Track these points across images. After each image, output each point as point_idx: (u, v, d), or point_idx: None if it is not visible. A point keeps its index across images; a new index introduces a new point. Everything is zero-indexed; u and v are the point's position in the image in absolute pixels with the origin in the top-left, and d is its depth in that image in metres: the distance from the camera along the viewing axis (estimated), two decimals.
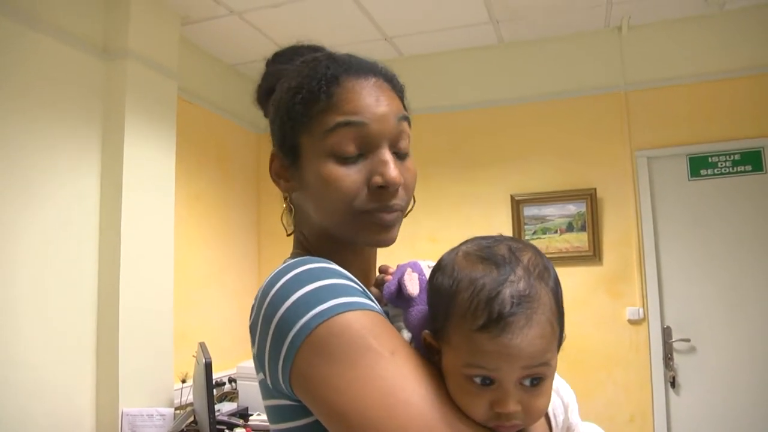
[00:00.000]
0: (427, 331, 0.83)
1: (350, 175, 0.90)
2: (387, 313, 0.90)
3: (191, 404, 3.44)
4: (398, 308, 0.90)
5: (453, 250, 0.85)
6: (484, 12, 3.91)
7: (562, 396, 0.89)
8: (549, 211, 4.20)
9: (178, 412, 3.26)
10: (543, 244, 4.12)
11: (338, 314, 0.77)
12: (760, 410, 3.72)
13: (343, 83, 0.91)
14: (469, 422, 0.76)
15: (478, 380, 0.75)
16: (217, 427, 3.10)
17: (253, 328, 0.87)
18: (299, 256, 0.90)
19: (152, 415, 3.07)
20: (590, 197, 4.10)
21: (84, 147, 3.15)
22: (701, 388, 3.85)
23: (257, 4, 3.68)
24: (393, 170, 0.90)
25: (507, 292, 0.74)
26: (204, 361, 2.91)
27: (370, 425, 0.72)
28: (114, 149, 3.23)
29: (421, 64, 4.59)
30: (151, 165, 3.38)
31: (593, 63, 4.25)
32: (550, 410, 0.87)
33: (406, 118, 0.96)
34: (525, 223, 4.23)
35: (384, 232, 0.93)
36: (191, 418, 3.27)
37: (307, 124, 0.92)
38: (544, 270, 0.79)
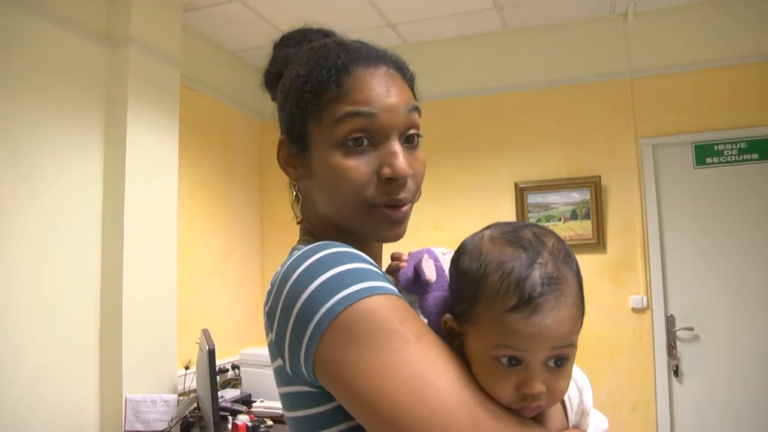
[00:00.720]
0: (448, 315, 0.84)
1: (359, 166, 0.89)
2: None
3: (194, 391, 3.45)
4: (413, 294, 0.91)
5: (476, 234, 0.86)
6: None
7: (576, 380, 0.90)
8: (553, 198, 4.19)
9: (181, 398, 3.26)
10: None
11: (363, 298, 0.77)
12: (763, 399, 3.72)
13: (353, 72, 0.90)
14: (495, 403, 0.76)
15: (505, 361, 0.76)
16: (221, 413, 3.11)
17: (270, 314, 0.85)
18: (309, 243, 0.89)
19: (156, 401, 3.07)
20: (594, 185, 4.08)
21: (86, 134, 3.14)
22: (704, 376, 3.85)
23: None
24: (402, 162, 0.89)
25: (537, 274, 0.77)
26: (207, 347, 2.91)
27: (399, 409, 0.72)
28: (117, 137, 3.22)
29: (425, 50, 4.57)
30: (153, 152, 3.37)
31: (598, 50, 4.23)
32: (566, 396, 0.88)
33: (417, 109, 0.94)
34: (529, 211, 4.22)
35: (393, 228, 0.93)
36: (194, 405, 3.28)
37: (317, 114, 0.91)
38: (567, 254, 0.82)
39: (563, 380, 0.79)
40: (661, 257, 3.97)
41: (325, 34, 1.07)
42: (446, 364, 0.76)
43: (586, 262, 4.02)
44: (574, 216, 4.13)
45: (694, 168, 3.98)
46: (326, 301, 0.77)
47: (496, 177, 4.35)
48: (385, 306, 0.78)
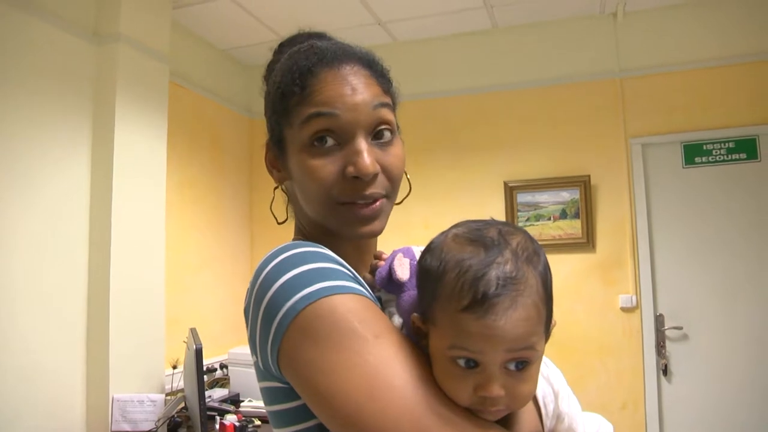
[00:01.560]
0: (415, 314, 0.83)
1: (325, 166, 0.90)
2: (380, 299, 0.91)
3: (182, 390, 3.43)
4: (391, 294, 0.90)
5: (443, 232, 0.85)
6: None
7: (552, 383, 0.88)
8: (542, 197, 4.19)
9: (168, 398, 3.24)
10: (536, 230, 4.11)
11: (325, 297, 0.78)
12: (751, 398, 3.73)
13: (317, 74, 0.92)
14: (451, 406, 0.76)
15: (462, 362, 0.75)
16: (208, 413, 3.09)
17: (246, 311, 0.88)
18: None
19: (143, 401, 3.06)
20: (584, 184, 4.09)
21: (74, 132, 3.12)
22: (693, 375, 3.86)
23: None
24: (365, 159, 0.89)
25: (493, 273, 0.75)
26: (195, 347, 2.89)
27: (352, 407, 0.73)
28: (104, 134, 3.19)
29: (415, 49, 4.56)
30: (142, 150, 3.35)
31: (588, 49, 4.23)
32: (540, 398, 0.86)
33: (386, 104, 0.94)
34: (518, 210, 4.22)
35: (364, 225, 0.93)
36: (182, 405, 3.26)
37: (287, 117, 0.94)
38: (533, 254, 0.79)
39: (525, 384, 0.77)
40: (650, 256, 3.98)
41: (316, 36, 1.09)
42: (404, 364, 0.77)
43: (575, 261, 4.04)
44: (563, 215, 4.13)
45: (683, 167, 3.99)
46: (289, 299, 0.79)
47: (485, 176, 4.35)
48: (345, 305, 0.79)
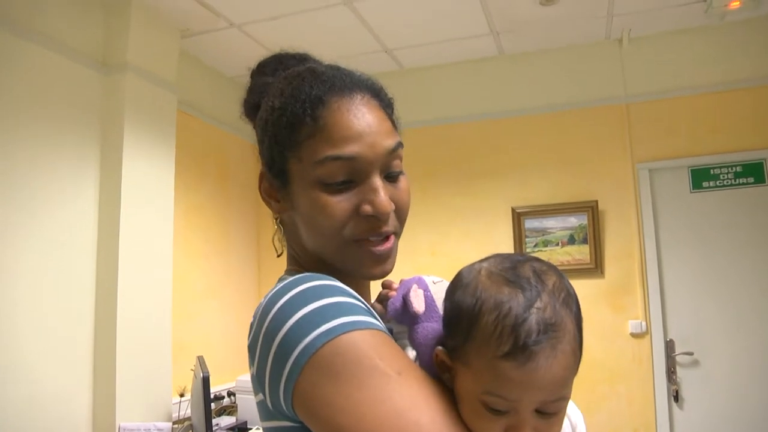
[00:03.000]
0: (440, 348, 0.82)
1: (340, 203, 0.88)
2: (391, 330, 0.89)
3: (189, 418, 3.41)
4: (402, 325, 0.89)
5: (473, 267, 0.83)
6: (485, 24, 3.91)
7: (569, 416, 0.88)
8: (550, 223, 4.18)
9: (176, 426, 3.22)
10: (544, 256, 4.07)
11: (344, 333, 0.75)
12: (764, 424, 3.68)
13: (328, 104, 0.89)
14: None
15: (494, 407, 0.74)
16: None
17: (252, 347, 0.84)
18: (296, 273, 0.88)
19: (149, 429, 3.04)
20: (592, 209, 4.08)
21: (82, 160, 3.14)
22: (705, 401, 3.82)
23: (257, 17, 3.67)
24: (383, 198, 0.88)
25: (533, 319, 0.73)
26: (201, 375, 2.88)
27: None
28: (113, 162, 3.21)
29: (421, 76, 4.59)
30: (150, 178, 3.36)
31: (594, 75, 4.25)
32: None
33: (399, 144, 0.93)
34: (526, 236, 4.21)
35: (378, 265, 0.91)
36: None
37: (296, 150, 0.90)
38: (568, 296, 0.78)
39: (555, 426, 0.76)
40: (659, 282, 3.95)
41: (301, 58, 1.06)
42: (429, 401, 0.74)
43: (584, 287, 4.01)
44: (571, 241, 4.12)
45: (691, 192, 3.98)
46: (306, 336, 0.75)
47: (493, 202, 4.35)
48: (366, 341, 0.76)
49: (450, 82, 4.57)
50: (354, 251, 0.90)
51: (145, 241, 3.29)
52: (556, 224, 4.17)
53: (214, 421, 3.28)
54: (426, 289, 0.89)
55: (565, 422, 0.86)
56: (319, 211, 0.88)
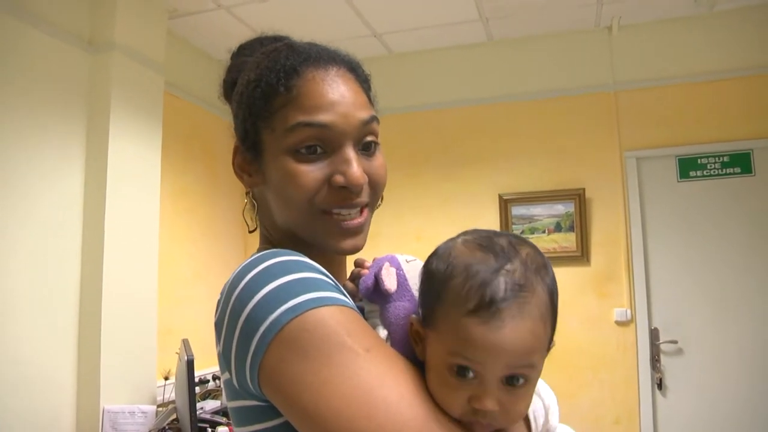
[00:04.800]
0: (414, 316, 0.81)
1: (311, 172, 0.87)
2: (362, 309, 0.88)
3: (174, 402, 3.40)
4: (374, 304, 0.88)
5: (451, 239, 0.83)
6: (474, 9, 3.89)
7: (543, 398, 0.87)
8: (537, 210, 4.19)
9: (160, 409, 3.22)
10: None
11: (311, 309, 0.74)
12: (746, 412, 3.72)
13: (302, 74, 0.88)
14: (447, 421, 0.73)
15: (459, 371, 0.73)
16: (200, 425, 3.07)
17: (218, 325, 0.83)
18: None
19: (134, 412, 3.03)
20: (579, 197, 4.09)
21: (68, 140, 3.11)
22: (688, 390, 3.85)
23: None
24: (356, 170, 0.87)
25: (502, 279, 0.73)
26: (186, 358, 2.87)
27: (346, 425, 0.69)
28: (98, 143, 3.18)
29: (410, 61, 4.56)
30: (136, 160, 3.33)
31: (583, 62, 4.25)
32: (530, 412, 0.84)
33: (374, 117, 0.92)
34: (513, 223, 4.22)
35: (348, 238, 0.91)
36: (173, 416, 3.23)
37: (269, 120, 0.89)
38: (542, 266, 0.78)
39: (521, 401, 0.75)
40: (645, 270, 3.97)
41: (280, 39, 1.05)
42: (398, 378, 0.73)
43: (569, 274, 4.03)
44: (558, 228, 4.13)
45: (678, 181, 4.00)
46: (272, 312, 0.74)
47: (480, 188, 4.35)
48: (334, 317, 0.75)
49: (439, 67, 4.55)
50: (324, 223, 0.89)
51: (131, 223, 3.27)
52: (542, 211, 4.17)
53: (198, 405, 3.28)
54: (398, 268, 0.88)
55: (539, 403, 0.86)
56: (289, 180, 0.87)
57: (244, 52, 1.06)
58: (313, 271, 0.80)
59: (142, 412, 3.05)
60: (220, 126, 4.53)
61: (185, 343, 3.07)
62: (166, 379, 3.47)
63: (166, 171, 3.61)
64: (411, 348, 0.82)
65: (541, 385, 0.88)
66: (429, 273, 0.80)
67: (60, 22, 3.10)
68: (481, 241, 0.78)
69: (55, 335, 2.98)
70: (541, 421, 0.85)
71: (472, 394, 0.72)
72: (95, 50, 3.25)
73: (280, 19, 3.84)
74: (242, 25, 3.96)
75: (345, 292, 0.84)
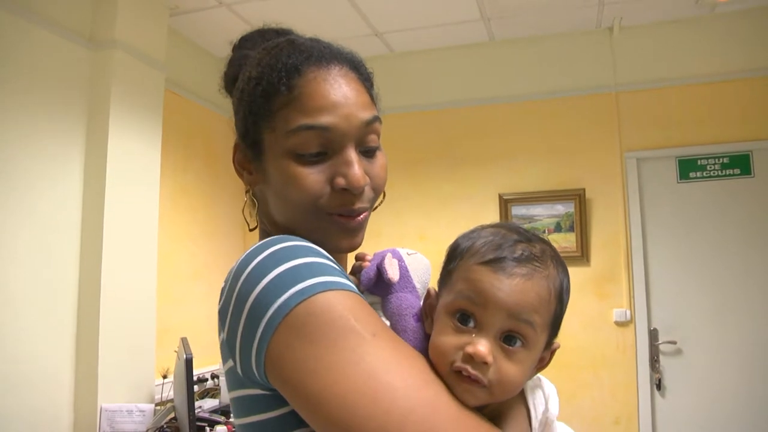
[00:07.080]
0: (432, 287, 0.85)
1: (312, 174, 0.86)
2: None
3: (172, 400, 3.40)
4: (375, 296, 0.88)
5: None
6: (476, 9, 3.89)
7: (543, 388, 0.87)
8: (537, 210, 4.19)
9: (158, 408, 3.21)
10: None
11: (318, 293, 0.73)
12: (745, 413, 3.72)
13: (304, 73, 0.87)
14: (456, 405, 0.73)
15: (461, 319, 0.77)
16: (198, 423, 3.06)
17: (223, 312, 0.81)
18: None
19: (132, 410, 3.02)
20: (579, 198, 4.09)
21: (68, 138, 3.10)
22: (687, 390, 3.85)
23: None
24: (357, 172, 0.86)
25: (520, 247, 0.79)
26: (185, 356, 2.86)
27: (351, 410, 0.68)
28: (98, 141, 3.17)
29: (412, 60, 4.56)
30: (136, 157, 3.33)
31: (584, 63, 4.24)
32: (530, 402, 0.85)
33: (376, 119, 0.91)
34: None
35: (348, 237, 0.90)
36: (171, 415, 3.23)
37: (270, 120, 0.88)
38: (561, 262, 0.84)
39: (514, 366, 0.76)
40: (644, 271, 3.97)
41: (284, 33, 1.04)
42: (403, 363, 0.73)
43: (569, 274, 4.01)
44: (558, 228, 4.12)
45: (678, 182, 4.00)
46: (279, 296, 0.73)
47: (480, 188, 4.35)
48: (341, 301, 0.74)
49: (440, 67, 4.55)
50: (324, 224, 0.89)
51: (131, 221, 3.27)
52: (543, 212, 4.17)
53: (196, 404, 3.27)
54: (400, 260, 0.89)
55: (539, 394, 0.86)
56: (290, 182, 0.86)
57: (245, 45, 1.05)
58: (319, 256, 0.80)
59: (140, 411, 3.04)
60: (221, 124, 4.52)
61: (184, 341, 3.07)
62: (165, 377, 3.47)
63: (166, 169, 3.61)
64: (413, 339, 0.83)
65: (542, 379, 0.89)
66: (453, 245, 0.85)
67: (61, 19, 3.10)
68: (507, 224, 0.85)
69: (53, 333, 2.97)
70: (541, 410, 0.85)
71: (468, 341, 0.75)
72: (96, 47, 3.24)
73: (281, 17, 3.78)
74: (243, 23, 3.95)
75: (350, 279, 0.83)
